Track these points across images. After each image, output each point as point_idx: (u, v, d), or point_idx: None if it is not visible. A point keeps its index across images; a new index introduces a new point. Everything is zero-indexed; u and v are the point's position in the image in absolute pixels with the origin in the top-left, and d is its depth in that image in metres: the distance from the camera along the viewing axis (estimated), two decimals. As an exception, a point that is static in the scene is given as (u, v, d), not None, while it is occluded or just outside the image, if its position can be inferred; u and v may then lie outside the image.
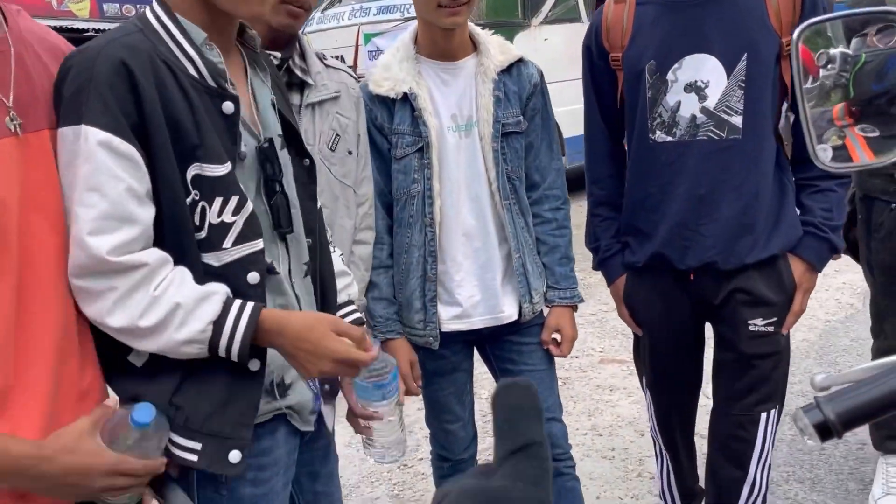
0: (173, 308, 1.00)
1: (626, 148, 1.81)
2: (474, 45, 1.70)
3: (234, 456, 1.06)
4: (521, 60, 1.72)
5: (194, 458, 1.04)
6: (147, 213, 1.01)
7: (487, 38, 1.72)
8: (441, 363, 1.80)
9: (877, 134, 0.98)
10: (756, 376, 1.71)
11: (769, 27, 1.55)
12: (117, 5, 9.99)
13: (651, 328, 1.83)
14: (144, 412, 0.98)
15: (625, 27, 1.65)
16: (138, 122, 0.99)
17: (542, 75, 1.77)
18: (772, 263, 1.66)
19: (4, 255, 0.91)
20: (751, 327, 1.67)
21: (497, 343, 1.82)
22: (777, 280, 1.67)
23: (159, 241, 1.03)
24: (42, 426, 0.93)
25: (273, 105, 1.17)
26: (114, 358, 1.07)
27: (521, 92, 1.71)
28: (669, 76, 1.61)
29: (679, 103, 1.60)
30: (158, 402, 1.02)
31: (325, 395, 1.25)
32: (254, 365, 1.08)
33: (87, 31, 8.53)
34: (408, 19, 5.10)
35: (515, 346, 1.81)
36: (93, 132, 0.96)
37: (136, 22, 1.06)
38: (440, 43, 1.66)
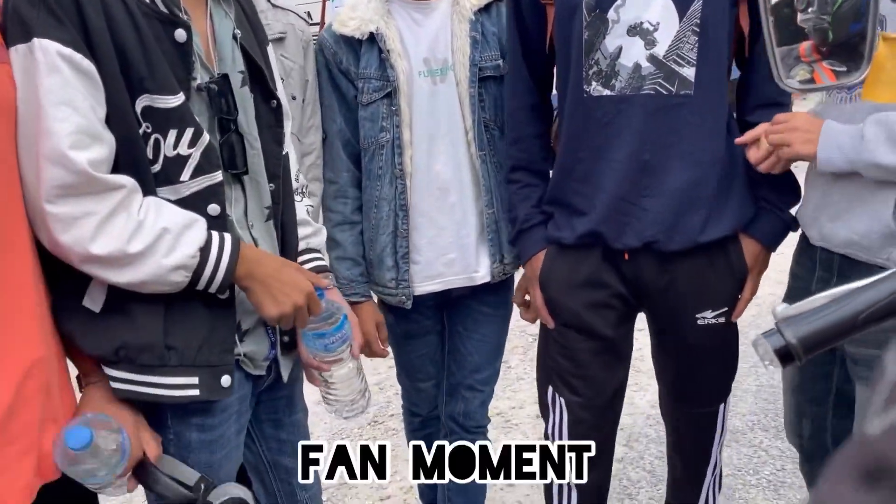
0: (161, 232, 0.99)
1: (556, 104, 1.57)
2: None
3: (226, 380, 1.09)
4: None
5: (195, 391, 1.06)
6: (109, 136, 0.98)
7: None
8: (413, 326, 1.75)
9: (844, 69, 0.98)
10: (711, 374, 1.54)
11: None
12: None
13: (569, 321, 1.50)
14: (77, 435, 0.95)
15: None
16: (87, 47, 0.95)
17: None
18: (722, 244, 1.43)
19: None
20: (700, 321, 1.45)
21: (456, 305, 1.75)
22: (727, 263, 1.44)
23: (114, 173, 0.99)
24: None
25: (235, 39, 1.14)
26: (66, 307, 1.04)
27: (500, 33, 1.59)
28: (611, 14, 1.34)
29: (620, 49, 1.34)
30: (153, 346, 1.03)
31: (284, 345, 1.24)
32: (224, 293, 1.08)
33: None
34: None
35: (472, 313, 1.74)
36: (52, 45, 0.92)
37: None
38: None
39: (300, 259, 1.30)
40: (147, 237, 0.99)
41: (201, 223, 1.04)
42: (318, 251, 1.36)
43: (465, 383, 1.79)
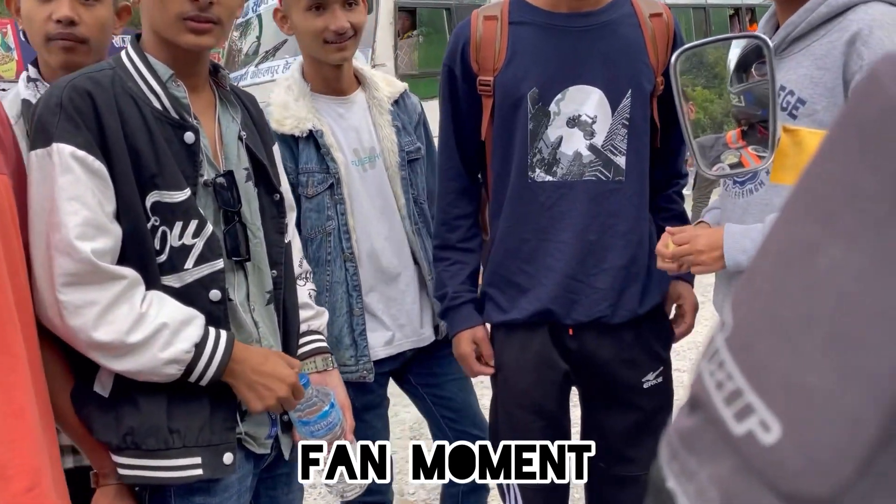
0: (160, 326, 1.06)
1: (485, 186, 1.62)
2: (358, 80, 1.72)
3: (228, 458, 1.14)
4: (405, 92, 1.77)
5: (199, 471, 1.11)
6: (116, 229, 1.07)
7: (370, 71, 1.75)
8: (370, 397, 1.76)
9: (766, 154, 1.11)
10: (655, 430, 1.54)
11: (648, 63, 1.45)
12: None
13: (521, 401, 1.53)
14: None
15: (498, 47, 1.45)
16: (102, 148, 1.06)
17: (422, 106, 1.83)
18: (656, 311, 1.54)
19: None
20: (645, 384, 1.52)
21: (417, 363, 1.82)
22: (661, 328, 1.55)
23: (120, 264, 1.08)
24: None
25: (241, 140, 1.25)
26: (80, 393, 1.12)
27: (410, 122, 1.76)
28: (552, 107, 1.43)
29: (560, 138, 1.43)
30: (158, 430, 1.09)
31: (284, 424, 1.28)
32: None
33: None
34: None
35: (434, 360, 1.81)
36: (66, 148, 1.04)
37: (111, 61, 1.16)
38: (330, 79, 1.65)
39: (302, 340, 1.36)
40: (146, 330, 1.05)
41: (200, 320, 1.11)
42: (319, 333, 1.41)
43: (472, 433, 1.85)
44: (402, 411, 3.14)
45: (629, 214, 1.47)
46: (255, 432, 1.23)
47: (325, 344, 1.40)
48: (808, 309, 0.22)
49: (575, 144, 1.43)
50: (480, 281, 1.62)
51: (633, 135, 1.44)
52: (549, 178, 1.45)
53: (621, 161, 1.45)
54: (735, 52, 1.17)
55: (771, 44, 1.10)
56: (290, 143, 1.62)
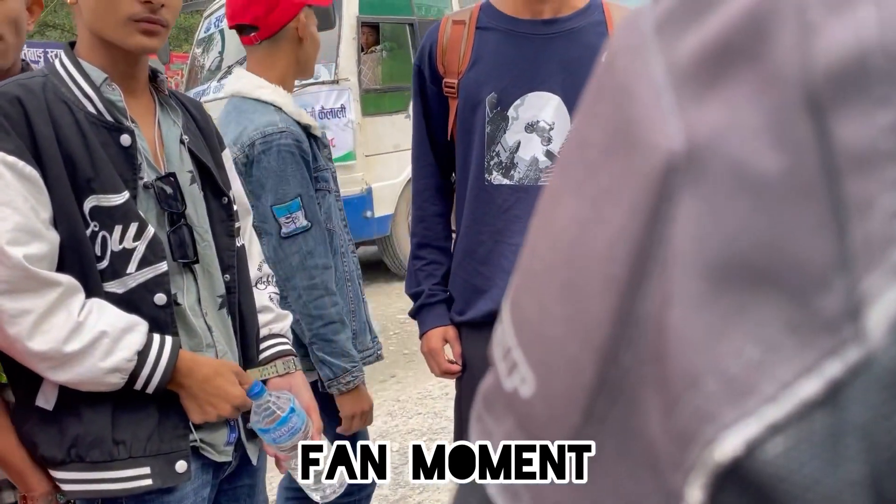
0: (99, 335, 1.04)
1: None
2: None
3: (181, 466, 1.12)
4: None
5: (148, 481, 1.09)
6: (52, 235, 1.05)
7: None
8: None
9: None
10: None
11: None
12: None
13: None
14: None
15: (463, 51, 1.50)
16: (35, 154, 1.05)
17: None
18: None
19: None
20: None
21: None
22: None
23: (60, 271, 1.06)
24: None
25: (183, 143, 1.24)
26: (22, 407, 1.09)
27: None
28: (510, 112, 1.47)
29: (518, 143, 1.47)
30: (102, 442, 1.06)
31: (249, 432, 1.27)
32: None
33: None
34: (305, 86, 5.22)
35: None
36: None
37: (44, 69, 1.15)
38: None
39: (263, 345, 1.34)
40: (84, 338, 1.03)
41: (142, 327, 1.09)
42: (281, 336, 1.39)
43: None
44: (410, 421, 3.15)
45: None
46: (213, 439, 1.20)
47: (287, 347, 1.38)
48: (549, 260, 0.22)
49: (532, 150, 1.47)
50: None
51: None
52: (506, 181, 1.48)
53: None
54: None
55: None
56: (312, 140, 1.67)
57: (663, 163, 0.18)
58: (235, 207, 1.32)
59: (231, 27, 1.72)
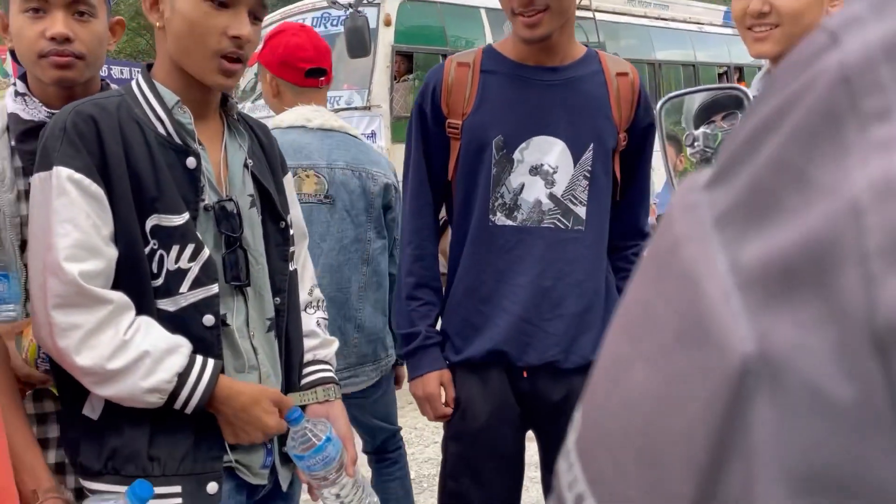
0: (142, 354, 1.07)
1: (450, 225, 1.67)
2: None
3: (212, 487, 1.13)
4: None
5: (178, 500, 1.10)
6: (111, 252, 1.09)
7: None
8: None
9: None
10: None
11: (611, 119, 1.51)
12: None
13: (478, 437, 1.54)
14: (142, 488, 1.01)
15: (468, 93, 1.51)
16: (103, 171, 1.09)
17: None
18: None
19: None
20: None
21: None
22: None
23: (115, 286, 1.09)
24: None
25: (246, 167, 1.26)
26: (69, 415, 1.13)
27: None
28: (516, 155, 1.49)
29: (522, 185, 1.50)
30: (138, 456, 1.09)
31: (283, 455, 1.27)
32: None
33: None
34: (337, 111, 5.30)
35: None
36: (64, 171, 1.07)
37: (121, 88, 1.20)
38: None
39: (306, 370, 1.35)
40: (127, 357, 1.06)
41: (185, 349, 1.10)
42: (325, 362, 1.40)
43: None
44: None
45: (586, 263, 1.51)
46: (249, 461, 1.21)
47: (329, 374, 1.38)
48: (625, 423, 0.23)
49: (536, 192, 1.49)
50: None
51: (593, 187, 1.50)
52: (509, 222, 1.50)
53: (581, 211, 1.50)
54: (707, 96, 1.23)
55: (752, 96, 1.15)
56: None
57: (739, 365, 0.19)
58: (292, 232, 1.33)
59: (307, 70, 1.84)
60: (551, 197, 1.49)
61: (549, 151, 1.48)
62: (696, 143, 1.23)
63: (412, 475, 2.84)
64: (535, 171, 1.49)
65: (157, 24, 1.17)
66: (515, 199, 1.50)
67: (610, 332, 0.26)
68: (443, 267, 1.64)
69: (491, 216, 1.51)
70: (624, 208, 1.61)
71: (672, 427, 0.21)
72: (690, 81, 9.46)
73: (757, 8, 1.25)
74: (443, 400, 1.57)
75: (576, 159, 1.49)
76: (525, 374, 1.52)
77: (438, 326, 1.63)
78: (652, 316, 0.23)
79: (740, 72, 9.87)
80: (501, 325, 1.50)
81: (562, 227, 1.50)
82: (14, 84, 1.33)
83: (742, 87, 1.22)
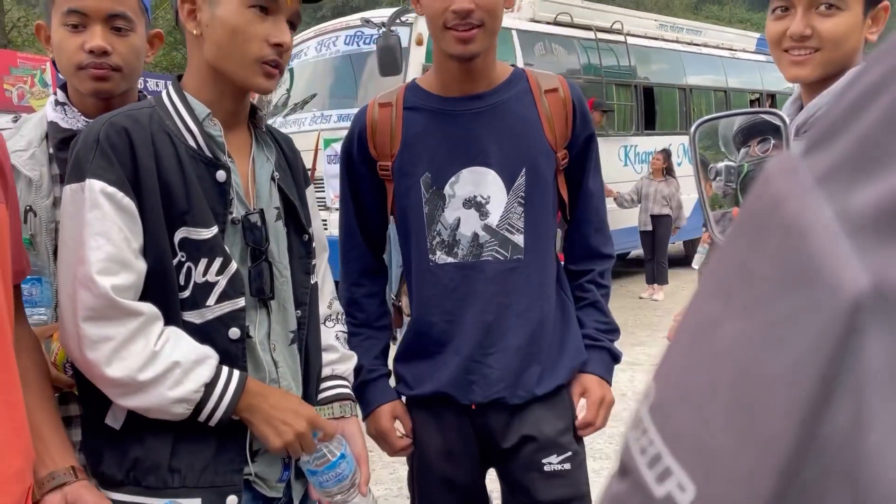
0: (172, 365, 1.06)
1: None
2: None
3: (232, 500, 1.13)
4: None
5: None
6: (141, 265, 1.09)
7: None
8: None
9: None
10: None
11: (544, 141, 1.46)
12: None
13: (433, 472, 1.53)
14: None
15: (393, 133, 1.48)
16: (135, 184, 1.09)
17: None
18: (559, 392, 1.49)
19: None
20: (546, 467, 1.46)
21: None
22: (563, 408, 1.49)
23: (143, 297, 1.09)
24: None
25: (273, 179, 1.27)
26: (92, 424, 1.13)
27: None
28: (447, 190, 1.45)
29: (458, 220, 1.45)
30: (159, 467, 1.09)
31: (298, 469, 1.26)
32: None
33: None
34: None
35: None
36: (98, 184, 1.07)
37: (152, 100, 1.20)
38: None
39: (323, 385, 1.34)
40: (158, 368, 1.05)
41: (212, 360, 1.10)
42: (343, 378, 1.38)
43: None
44: (401, 468, 3.11)
45: (527, 293, 1.46)
46: (267, 474, 1.21)
47: (347, 390, 1.37)
48: (712, 378, 0.25)
49: (472, 225, 1.45)
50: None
51: (530, 212, 1.45)
52: (450, 259, 1.46)
53: (519, 239, 1.45)
54: (742, 120, 1.22)
55: (788, 121, 1.14)
56: None
57: (852, 300, 0.21)
58: (314, 244, 1.33)
59: None
60: (486, 228, 1.45)
61: (480, 182, 1.44)
62: (718, 178, 1.22)
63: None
64: (469, 203, 1.45)
65: (195, 31, 1.16)
66: (454, 235, 1.46)
67: (692, 301, 0.27)
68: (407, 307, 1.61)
69: (431, 256, 1.47)
70: (573, 228, 1.58)
71: (770, 372, 0.22)
72: (722, 107, 9.41)
73: (798, 31, 1.22)
74: (399, 433, 1.52)
75: (508, 186, 1.44)
76: (474, 407, 1.47)
77: (391, 362, 1.60)
78: (748, 272, 0.25)
79: (772, 98, 9.80)
80: (450, 365, 1.46)
81: (500, 258, 1.45)
82: (55, 94, 1.37)
83: (778, 112, 1.20)
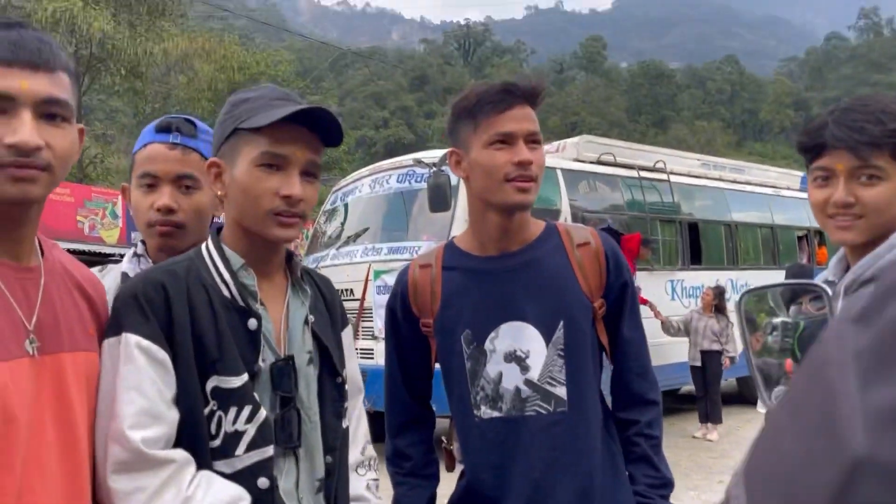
0: None
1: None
2: None
3: None
4: None
5: None
6: (173, 415, 1.11)
7: None
8: None
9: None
10: None
11: (580, 292, 1.49)
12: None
13: None
14: None
15: (433, 292, 1.54)
16: (168, 336, 1.13)
17: None
18: None
19: (6, 474, 0.93)
20: None
21: None
22: None
23: (175, 446, 1.10)
24: None
25: (307, 323, 1.29)
26: None
27: None
28: (487, 345, 1.48)
29: (501, 374, 1.48)
30: None
31: None
32: None
33: (113, 255, 9.10)
34: (416, 260, 5.47)
35: None
36: (133, 338, 1.11)
37: (191, 253, 1.26)
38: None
39: None
40: None
41: (245, 503, 1.11)
42: None
43: None
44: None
45: (574, 446, 1.45)
46: None
47: None
48: (776, 471, 0.33)
49: (514, 380, 1.47)
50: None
51: (571, 364, 1.46)
52: (495, 413, 1.47)
53: (561, 391, 1.46)
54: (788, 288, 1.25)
55: (830, 293, 1.16)
56: None
57: (851, 459, 0.29)
58: (347, 387, 1.34)
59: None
60: (528, 383, 1.46)
61: (519, 336, 1.47)
62: (774, 333, 1.24)
63: None
64: (510, 357, 1.47)
65: (220, 192, 1.24)
66: (497, 389, 1.47)
67: (782, 401, 0.36)
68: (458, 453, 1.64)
69: (475, 411, 1.49)
70: (616, 375, 1.58)
71: (805, 483, 0.31)
72: (769, 242, 9.39)
73: (841, 199, 1.25)
74: None
75: (547, 339, 1.47)
76: None
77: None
78: (805, 406, 0.34)
79: (820, 236, 9.75)
80: None
81: (543, 412, 1.46)
82: (135, 245, 1.50)
83: (821, 285, 1.22)
